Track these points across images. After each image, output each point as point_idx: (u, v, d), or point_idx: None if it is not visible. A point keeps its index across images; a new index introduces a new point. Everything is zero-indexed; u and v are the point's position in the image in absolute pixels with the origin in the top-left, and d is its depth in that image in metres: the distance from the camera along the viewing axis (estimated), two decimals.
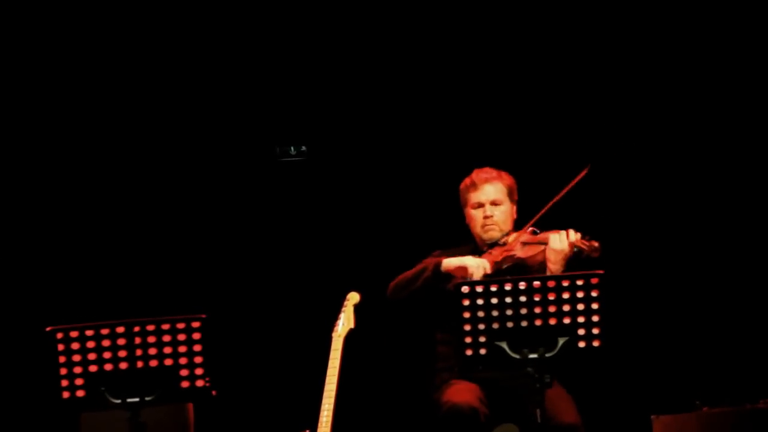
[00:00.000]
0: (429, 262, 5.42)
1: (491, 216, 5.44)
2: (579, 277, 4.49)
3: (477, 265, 5.26)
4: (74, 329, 4.36)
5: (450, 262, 5.33)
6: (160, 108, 7.00)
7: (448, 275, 5.31)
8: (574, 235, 5.21)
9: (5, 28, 6.80)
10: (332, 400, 5.17)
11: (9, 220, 6.89)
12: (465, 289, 4.51)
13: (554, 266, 5.20)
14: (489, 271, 5.26)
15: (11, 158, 6.90)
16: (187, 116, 7.03)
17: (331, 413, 5.15)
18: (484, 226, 5.46)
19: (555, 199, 5.35)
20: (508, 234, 5.46)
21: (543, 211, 5.35)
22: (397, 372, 6.79)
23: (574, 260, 5.22)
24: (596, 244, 5.19)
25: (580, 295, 4.48)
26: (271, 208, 7.05)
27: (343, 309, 5.50)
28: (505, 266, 5.33)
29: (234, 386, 6.44)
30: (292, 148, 7.12)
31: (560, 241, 5.20)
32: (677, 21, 6.88)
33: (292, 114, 7.09)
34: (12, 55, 6.83)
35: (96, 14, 6.85)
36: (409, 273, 5.44)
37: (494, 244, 5.45)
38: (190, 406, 5.48)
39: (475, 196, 5.48)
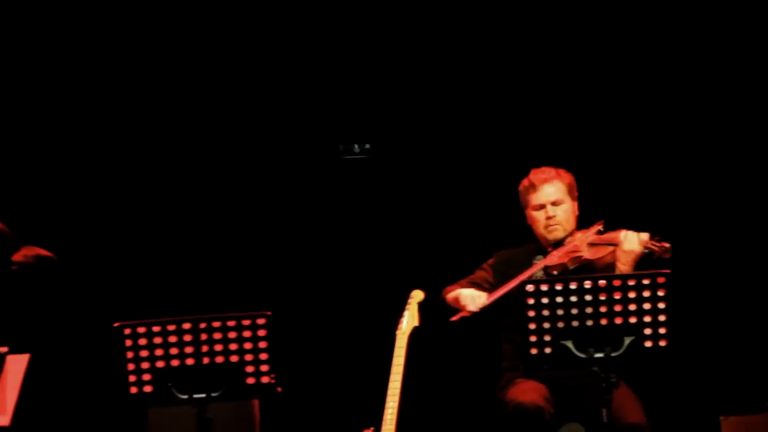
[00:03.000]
0: (449, 289, 5.44)
1: (554, 216, 5.40)
2: (645, 276, 4.46)
3: (471, 296, 5.25)
4: (142, 325, 4.40)
5: (450, 296, 5.36)
6: (226, 107, 7.05)
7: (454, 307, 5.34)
8: (645, 236, 5.16)
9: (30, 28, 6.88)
10: (397, 399, 5.17)
11: (79, 217, 6.98)
12: (530, 287, 4.49)
13: (624, 267, 5.15)
14: (485, 303, 5.23)
15: (86, 157, 6.98)
16: (251, 114, 7.07)
17: (395, 411, 5.15)
18: (547, 227, 5.41)
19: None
20: (572, 233, 5.42)
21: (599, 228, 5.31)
22: (462, 370, 6.78)
23: (644, 262, 5.16)
24: (667, 245, 5.13)
25: (646, 294, 4.45)
26: (335, 206, 7.07)
27: (408, 307, 5.49)
28: (572, 267, 5.28)
29: (299, 383, 6.46)
30: (355, 146, 7.12)
31: (633, 242, 5.14)
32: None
33: (356, 112, 7.10)
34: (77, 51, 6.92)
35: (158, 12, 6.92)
36: (449, 291, 5.44)
37: (559, 244, 5.42)
38: (256, 402, 5.51)
39: (535, 198, 5.44)
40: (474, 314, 5.24)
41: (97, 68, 6.94)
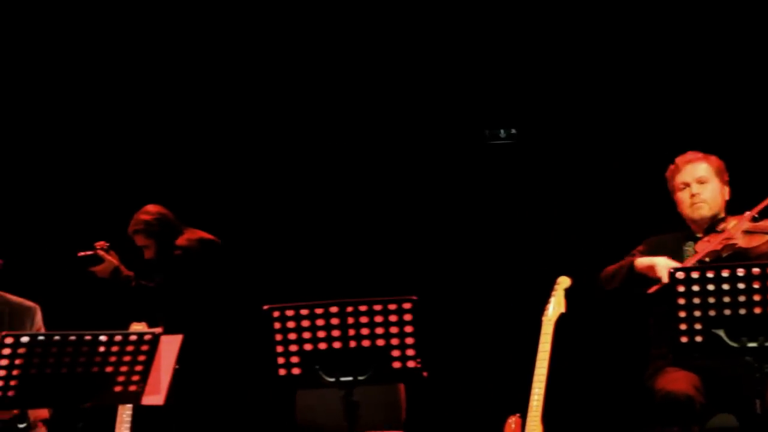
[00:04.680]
0: (628, 260, 5.30)
1: (698, 194, 5.28)
2: None
3: (666, 266, 5.09)
4: (290, 308, 4.45)
5: (641, 262, 5.20)
6: (373, 93, 7.10)
7: (643, 275, 5.17)
8: None
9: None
10: (543, 385, 5.13)
11: (235, 201, 7.13)
12: (680, 275, 4.40)
13: None
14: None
15: (241, 147, 7.14)
16: (399, 101, 7.10)
17: (541, 397, 5.12)
18: (692, 205, 5.29)
19: None
20: (725, 220, 5.29)
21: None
22: (609, 357, 6.70)
23: None
24: None
25: None
26: (481, 191, 7.05)
27: (554, 293, 5.44)
28: (725, 255, 5.15)
29: (445, 368, 6.48)
30: (501, 131, 7.09)
31: None
32: None
33: (501, 97, 7.07)
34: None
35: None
36: (611, 268, 5.32)
37: (711, 230, 5.29)
38: (402, 386, 5.54)
39: (680, 178, 5.33)
40: (702, 261, 5.08)
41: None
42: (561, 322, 5.35)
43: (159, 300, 6.46)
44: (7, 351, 4.08)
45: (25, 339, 4.10)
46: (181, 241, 6.61)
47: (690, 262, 5.11)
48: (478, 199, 7.05)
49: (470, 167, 7.09)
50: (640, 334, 5.45)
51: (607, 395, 6.71)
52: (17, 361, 4.10)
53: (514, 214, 7.01)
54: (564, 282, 5.47)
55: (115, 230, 6.65)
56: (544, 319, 5.35)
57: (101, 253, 6.55)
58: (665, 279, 4.96)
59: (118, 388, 4.27)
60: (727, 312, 4.36)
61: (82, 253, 6.53)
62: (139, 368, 4.26)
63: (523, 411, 5.14)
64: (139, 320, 5.27)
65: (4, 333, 4.13)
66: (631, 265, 5.21)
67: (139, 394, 4.31)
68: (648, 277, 5.13)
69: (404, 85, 7.09)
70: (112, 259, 6.57)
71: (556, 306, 5.38)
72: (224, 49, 7.17)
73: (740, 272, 4.36)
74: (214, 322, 6.55)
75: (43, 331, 5.06)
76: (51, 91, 7.20)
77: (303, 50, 7.11)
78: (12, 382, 4.12)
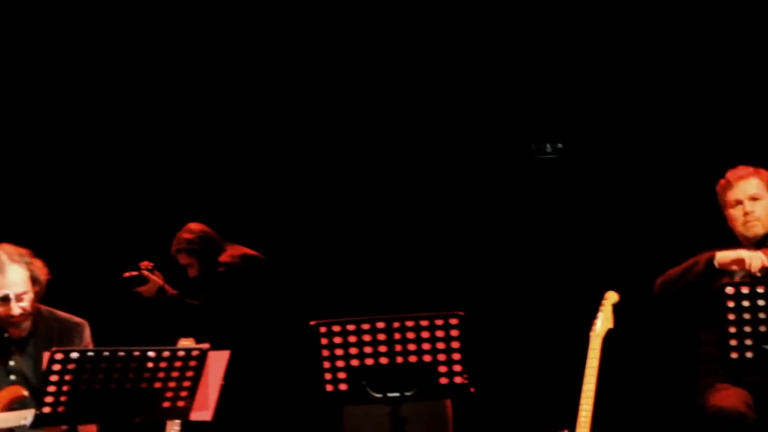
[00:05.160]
0: (701, 256, 5.24)
1: (752, 212, 5.24)
2: None
3: (754, 255, 5.02)
4: (337, 324, 4.45)
5: (725, 256, 5.12)
6: (421, 109, 7.12)
7: (721, 271, 5.10)
8: None
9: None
10: (591, 401, 5.10)
11: (278, 217, 7.16)
12: (729, 290, 4.37)
13: None
14: (767, 263, 5.02)
15: (282, 160, 7.18)
16: (444, 116, 7.11)
17: (589, 413, 5.09)
18: (745, 223, 5.26)
19: None
20: None
21: None
22: (658, 373, 6.65)
23: None
24: None
25: None
26: (528, 206, 7.04)
27: (601, 308, 5.42)
28: None
29: (492, 383, 6.46)
30: (548, 146, 7.08)
31: None
32: None
33: (547, 111, 7.06)
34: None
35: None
36: (678, 269, 5.27)
37: (762, 245, 5.24)
38: (449, 402, 5.53)
39: (732, 194, 5.29)
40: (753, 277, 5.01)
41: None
42: (609, 337, 5.32)
43: (204, 318, 6.49)
44: (57, 367, 4.12)
45: (74, 355, 4.14)
46: (224, 257, 6.64)
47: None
48: (525, 214, 7.03)
49: (517, 182, 7.08)
50: (689, 349, 5.41)
51: (656, 411, 6.65)
52: (67, 377, 4.13)
53: (561, 229, 6.98)
54: (612, 297, 5.44)
55: (159, 250, 6.70)
56: (592, 334, 5.32)
57: (146, 273, 6.61)
58: (755, 268, 4.90)
59: (166, 404, 4.29)
60: None
61: (128, 274, 6.59)
62: (187, 384, 4.28)
63: (571, 427, 5.11)
64: (186, 336, 5.30)
65: (54, 349, 4.17)
66: (710, 260, 5.13)
67: (187, 409, 4.33)
68: (722, 273, 5.06)
69: (452, 101, 7.10)
70: (156, 279, 6.62)
71: (603, 321, 5.35)
72: (273, 66, 7.22)
73: None
74: (260, 338, 6.57)
75: (91, 347, 5.10)
76: (95, 115, 7.29)
77: (352, 68, 7.14)
78: (62, 398, 4.15)
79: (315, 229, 7.19)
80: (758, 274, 4.98)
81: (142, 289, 6.61)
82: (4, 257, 4.90)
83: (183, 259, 6.70)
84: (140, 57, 7.22)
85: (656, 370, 6.68)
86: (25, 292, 4.90)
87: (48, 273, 5.00)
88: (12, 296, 4.86)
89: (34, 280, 4.93)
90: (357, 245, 7.13)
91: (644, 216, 6.89)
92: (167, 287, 6.64)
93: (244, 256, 6.67)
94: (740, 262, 5.04)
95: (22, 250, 4.97)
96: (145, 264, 6.64)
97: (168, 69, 7.24)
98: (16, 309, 4.88)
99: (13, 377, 4.95)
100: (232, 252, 6.67)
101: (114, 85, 7.25)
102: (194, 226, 6.68)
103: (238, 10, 7.16)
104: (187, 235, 6.66)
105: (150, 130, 7.32)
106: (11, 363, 4.96)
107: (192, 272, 6.70)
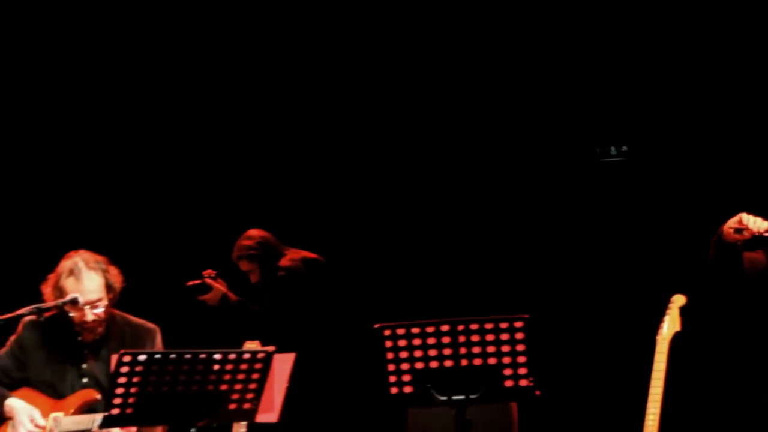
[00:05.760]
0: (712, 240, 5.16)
1: None
2: None
3: (757, 218, 4.93)
4: (401, 327, 4.45)
5: (725, 227, 5.02)
6: (486, 113, 7.12)
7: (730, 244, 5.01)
8: None
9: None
10: (658, 405, 5.06)
11: (341, 219, 7.19)
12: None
13: None
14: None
15: (351, 164, 7.21)
16: (510, 120, 7.10)
17: (657, 417, 5.04)
18: None
19: None
20: None
21: None
22: (726, 376, 6.58)
23: None
24: None
25: None
26: (593, 209, 7.00)
27: (668, 311, 5.37)
28: None
29: (557, 387, 6.42)
30: (612, 149, 7.04)
31: None
32: None
33: (612, 114, 7.02)
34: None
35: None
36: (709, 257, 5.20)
37: None
38: (514, 405, 5.51)
39: None
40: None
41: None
42: (676, 340, 5.27)
43: (268, 322, 6.53)
44: (125, 369, 4.16)
45: (142, 357, 4.18)
46: (284, 262, 6.68)
47: None
48: (591, 217, 6.99)
49: (582, 185, 7.04)
50: (758, 351, 5.35)
51: (724, 415, 6.58)
52: (135, 379, 4.17)
53: (626, 231, 6.94)
54: (679, 300, 5.39)
55: (221, 258, 6.76)
56: (659, 338, 5.28)
57: (209, 281, 6.68)
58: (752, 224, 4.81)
59: (232, 406, 4.32)
60: None
61: (191, 283, 6.67)
62: (253, 386, 4.31)
63: (638, 431, 5.07)
64: (252, 339, 5.34)
65: (122, 351, 4.22)
66: (718, 236, 5.04)
67: (253, 411, 4.36)
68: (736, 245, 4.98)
69: (517, 105, 7.08)
70: (220, 287, 6.69)
71: (670, 324, 5.31)
72: (338, 73, 7.26)
73: None
74: (323, 341, 6.59)
75: None
76: (160, 132, 7.39)
77: (423, 71, 7.15)
78: (130, 400, 4.19)
79: (380, 233, 7.21)
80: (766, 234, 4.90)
81: (206, 297, 6.69)
82: (81, 264, 4.96)
83: (244, 266, 6.75)
84: (204, 69, 7.31)
85: (724, 373, 6.60)
86: (99, 299, 4.96)
87: (123, 281, 5.05)
88: (81, 300, 4.92)
89: (109, 287, 4.99)
90: (423, 247, 7.13)
91: (711, 218, 6.82)
92: (230, 294, 6.70)
93: (304, 260, 6.71)
94: (739, 221, 4.94)
95: (99, 257, 5.03)
96: (207, 272, 6.71)
97: (231, 80, 7.31)
98: (89, 315, 4.94)
99: (85, 380, 5.01)
100: (291, 256, 6.71)
101: (186, 99, 7.34)
102: (254, 232, 6.74)
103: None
104: (247, 242, 6.71)
105: (209, 142, 7.39)
106: (84, 366, 5.03)
107: (254, 278, 6.76)
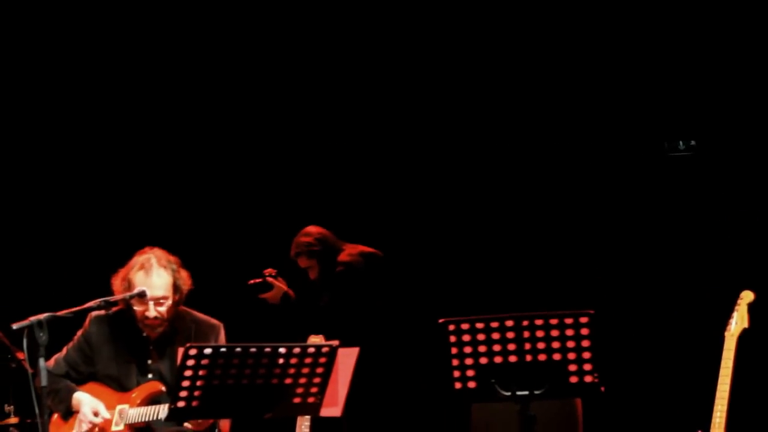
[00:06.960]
0: None
1: None
2: None
3: None
4: (465, 322, 4.44)
5: None
6: (552, 109, 7.09)
7: None
8: None
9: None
10: (725, 402, 5.00)
11: (402, 214, 7.19)
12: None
13: None
14: None
15: (410, 160, 7.21)
16: (578, 115, 7.07)
17: (724, 415, 4.98)
18: None
19: None
20: None
21: None
22: None
23: None
24: None
25: None
26: (661, 203, 6.94)
27: (737, 308, 5.31)
28: None
29: (623, 383, 6.38)
30: (680, 143, 6.97)
31: None
32: None
33: (681, 109, 6.95)
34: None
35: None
36: None
37: None
38: (579, 401, 5.47)
39: None
40: None
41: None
42: (744, 337, 5.20)
43: (329, 318, 6.55)
44: (191, 362, 4.19)
45: (208, 351, 4.21)
46: (342, 257, 6.70)
47: None
48: (658, 212, 6.94)
49: (650, 179, 6.99)
50: None
51: None
52: (200, 372, 4.20)
53: (695, 226, 6.87)
54: (747, 297, 5.33)
55: (280, 256, 6.80)
56: (727, 334, 5.22)
57: (270, 279, 6.72)
58: None
59: (297, 400, 4.33)
60: None
61: (253, 281, 6.71)
62: (317, 380, 4.32)
63: (705, 429, 5.02)
64: (317, 333, 5.36)
65: (188, 345, 4.25)
66: None
67: (317, 405, 4.37)
68: None
69: (585, 100, 7.04)
70: (281, 285, 6.73)
71: (739, 321, 5.25)
72: (387, 71, 7.26)
73: None
74: (385, 336, 6.60)
75: None
76: (214, 139, 7.46)
77: (484, 68, 7.14)
78: (195, 393, 4.22)
79: (441, 226, 7.19)
80: None
81: (267, 295, 6.73)
82: (154, 260, 5.02)
83: (303, 262, 6.78)
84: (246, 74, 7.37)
85: None
86: (165, 297, 5.00)
87: (191, 284, 5.09)
88: (148, 294, 4.96)
89: (176, 288, 5.03)
90: (487, 242, 7.12)
91: None
92: (291, 292, 6.74)
93: (362, 254, 6.72)
94: None
95: (172, 258, 5.08)
96: (268, 271, 6.75)
97: (286, 84, 7.36)
98: (152, 311, 4.99)
99: (150, 375, 5.06)
100: (350, 251, 6.72)
101: (250, 102, 7.40)
102: (311, 228, 6.76)
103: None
104: (305, 239, 6.74)
105: (269, 143, 7.44)
106: (149, 362, 5.08)
107: (312, 274, 6.78)
